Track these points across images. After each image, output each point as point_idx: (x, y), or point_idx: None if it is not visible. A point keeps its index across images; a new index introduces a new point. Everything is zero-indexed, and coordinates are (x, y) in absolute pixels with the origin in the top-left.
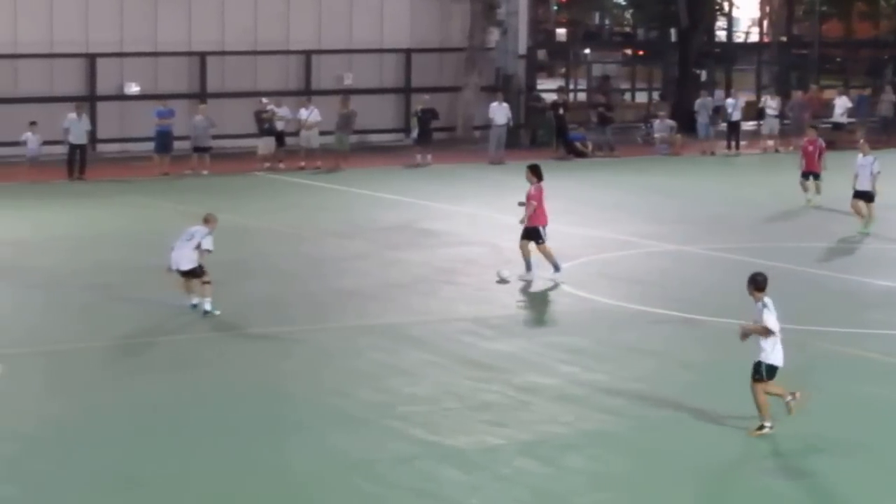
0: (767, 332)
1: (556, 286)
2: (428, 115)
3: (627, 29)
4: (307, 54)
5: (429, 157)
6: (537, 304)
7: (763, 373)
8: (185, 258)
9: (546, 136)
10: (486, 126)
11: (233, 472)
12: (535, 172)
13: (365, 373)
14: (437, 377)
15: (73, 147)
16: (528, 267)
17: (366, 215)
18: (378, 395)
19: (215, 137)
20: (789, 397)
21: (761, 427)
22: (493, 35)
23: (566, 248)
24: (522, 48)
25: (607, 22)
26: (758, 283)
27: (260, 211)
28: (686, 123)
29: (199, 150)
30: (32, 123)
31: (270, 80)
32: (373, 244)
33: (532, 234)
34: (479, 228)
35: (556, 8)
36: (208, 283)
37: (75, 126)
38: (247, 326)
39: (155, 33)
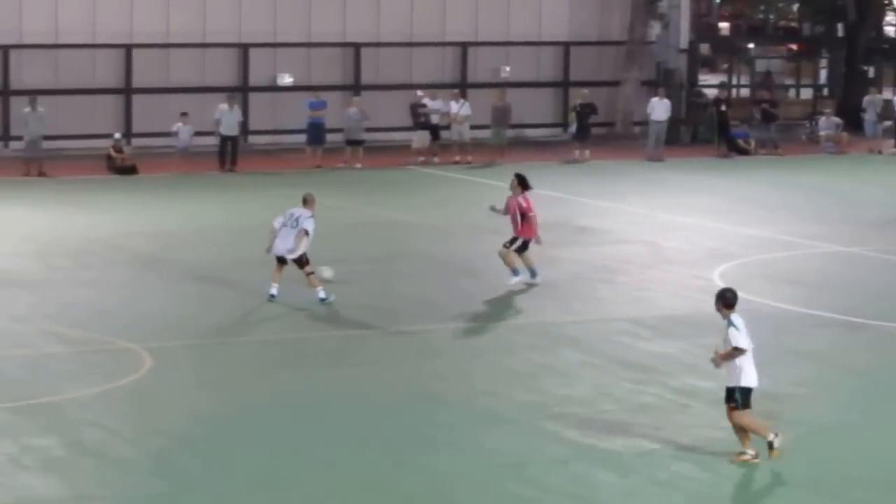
0: (738, 353)
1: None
2: (586, 110)
3: (793, 23)
4: (463, 46)
5: (586, 152)
6: (697, 304)
7: (738, 399)
8: (283, 245)
9: (707, 133)
10: (646, 122)
11: (382, 471)
12: (522, 182)
13: (518, 372)
14: (593, 378)
15: (224, 138)
16: (515, 273)
17: None
18: (531, 396)
19: (368, 130)
20: (772, 436)
21: (743, 454)
22: (654, 28)
23: (728, 248)
24: (684, 42)
25: (771, 16)
26: (726, 300)
27: (412, 206)
28: (852, 121)
29: (352, 143)
30: (184, 114)
31: (425, 72)
32: None
33: (524, 247)
34: (637, 226)
35: (718, 1)
36: (311, 272)
37: (227, 117)
38: (396, 324)
39: (309, 24)
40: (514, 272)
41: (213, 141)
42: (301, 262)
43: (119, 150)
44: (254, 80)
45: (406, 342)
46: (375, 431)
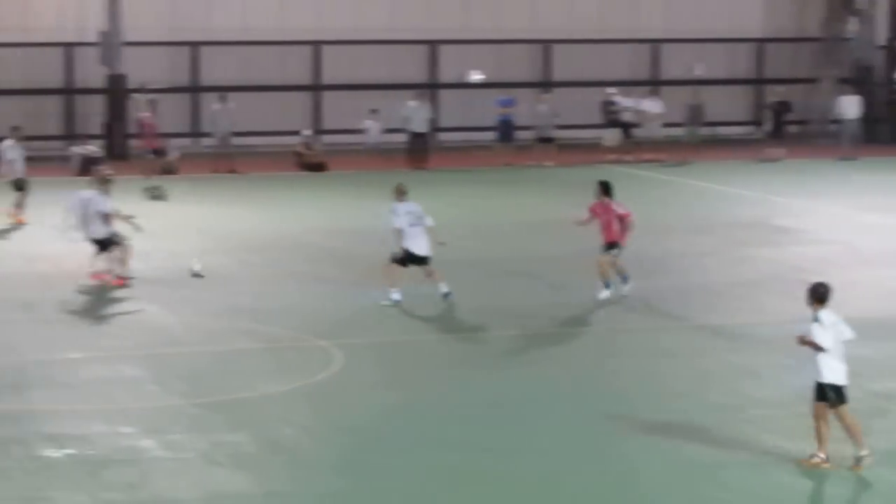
0: (816, 348)
1: None
2: (781, 108)
3: None
4: (655, 43)
5: (782, 151)
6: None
7: (832, 395)
8: (424, 243)
9: None
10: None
11: (571, 472)
12: (606, 190)
13: (712, 374)
14: (790, 380)
15: (414, 135)
16: (607, 285)
17: (714, 210)
18: (726, 398)
19: (559, 127)
20: (865, 452)
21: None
22: (852, 25)
23: None
24: (882, 38)
25: None
26: (819, 295)
27: None
28: None
29: (542, 140)
30: (373, 111)
31: (617, 69)
32: (721, 240)
33: (611, 247)
34: (834, 226)
35: None
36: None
37: (416, 114)
38: (581, 322)
39: (499, 20)
40: (607, 285)
41: (402, 138)
42: (427, 260)
43: (309, 147)
44: (444, 76)
45: (591, 341)
46: (562, 431)
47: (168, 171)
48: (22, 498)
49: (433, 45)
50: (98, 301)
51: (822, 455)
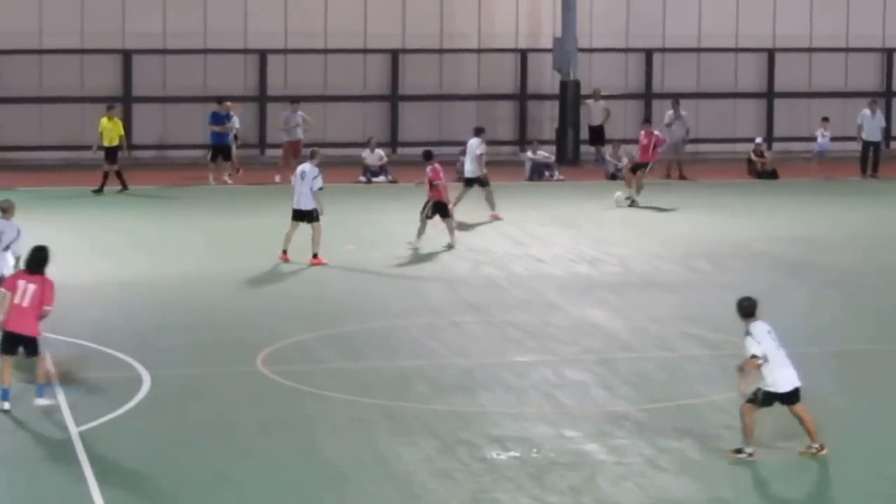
0: (754, 360)
1: None
2: None
3: None
4: None
5: None
6: None
7: (759, 396)
8: None
9: None
10: None
11: None
12: None
13: None
14: None
15: (866, 144)
16: None
17: None
18: None
19: None
20: (750, 450)
21: (740, 451)
22: None
23: None
24: None
25: None
26: (744, 309)
27: None
28: None
29: None
30: (825, 119)
31: None
32: None
33: None
34: None
35: None
36: None
37: (869, 122)
38: None
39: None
40: None
41: (854, 146)
42: None
43: (760, 155)
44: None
45: None
46: None
47: (618, 177)
48: (468, 499)
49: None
50: (544, 304)
51: (750, 450)
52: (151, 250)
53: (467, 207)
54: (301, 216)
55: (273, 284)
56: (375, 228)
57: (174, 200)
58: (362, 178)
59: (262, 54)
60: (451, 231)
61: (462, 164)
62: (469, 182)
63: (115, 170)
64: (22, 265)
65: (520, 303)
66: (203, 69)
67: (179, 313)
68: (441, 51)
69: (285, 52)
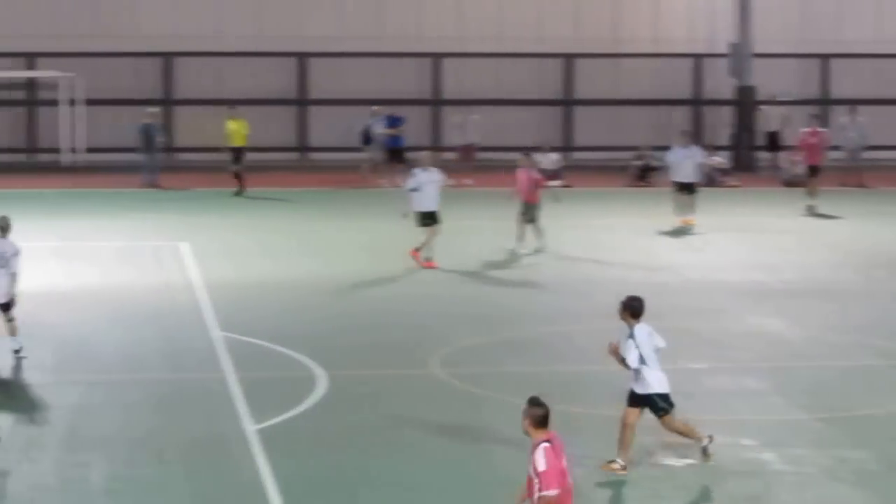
0: (623, 364)
1: None
2: None
3: None
4: None
5: None
6: None
7: (663, 405)
8: None
9: None
10: None
11: None
12: None
13: None
14: None
15: None
16: None
17: None
18: None
19: None
20: (706, 440)
21: (613, 461)
22: None
23: None
24: None
25: None
26: (633, 310)
27: None
28: None
29: None
30: None
31: None
32: None
33: None
34: None
35: None
36: None
37: None
38: None
39: None
40: None
41: None
42: None
43: None
44: None
45: None
46: None
47: (794, 184)
48: None
49: None
50: (719, 311)
51: (622, 461)
52: (320, 252)
53: (657, 212)
54: (427, 218)
55: (437, 287)
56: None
57: (345, 202)
58: None
59: (437, 58)
60: (538, 235)
61: (640, 169)
62: (684, 187)
63: (236, 170)
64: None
65: (695, 310)
66: (377, 72)
67: (350, 315)
68: (615, 55)
69: (460, 55)
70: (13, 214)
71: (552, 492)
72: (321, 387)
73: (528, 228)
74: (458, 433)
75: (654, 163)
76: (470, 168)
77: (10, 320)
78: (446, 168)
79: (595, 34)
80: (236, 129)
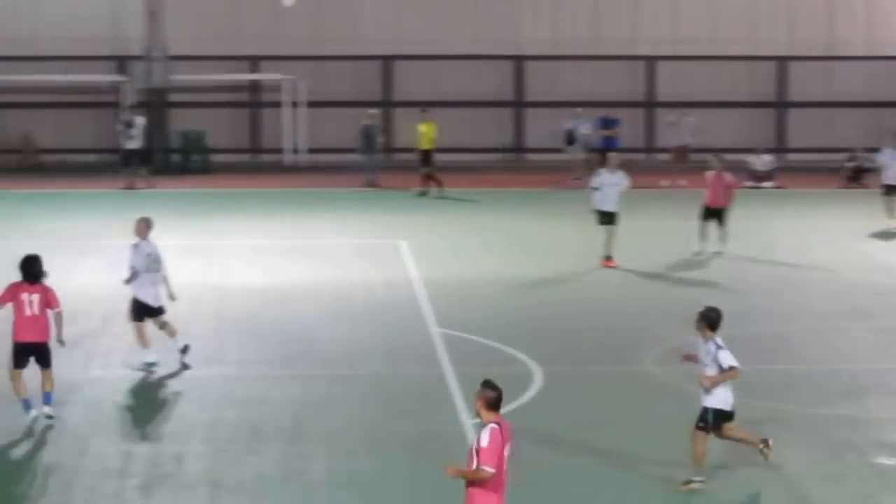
0: (733, 372)
1: None
2: None
3: None
4: None
5: None
6: None
7: (709, 420)
8: None
9: None
10: None
11: None
12: None
13: None
14: None
15: None
16: None
17: None
18: None
19: None
20: (761, 445)
21: (689, 482)
22: None
23: None
24: None
25: None
26: (710, 321)
27: None
28: None
29: None
30: None
31: None
32: None
33: None
34: None
35: None
36: None
37: None
38: None
39: None
40: None
41: None
42: None
43: None
44: None
45: None
46: None
47: None
48: (855, 502)
49: None
50: None
51: (701, 477)
52: (532, 251)
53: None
54: (605, 217)
55: (646, 284)
56: (755, 235)
57: (558, 202)
58: (748, 183)
59: (651, 61)
60: (723, 238)
61: (852, 170)
62: (892, 189)
63: (425, 172)
64: None
65: None
66: (592, 74)
67: (563, 313)
68: (829, 58)
69: (674, 58)
70: (236, 213)
71: (488, 468)
72: (537, 383)
73: (713, 230)
74: (668, 432)
75: (867, 164)
76: (683, 169)
77: (162, 325)
78: (660, 169)
79: (808, 36)
80: (426, 132)
